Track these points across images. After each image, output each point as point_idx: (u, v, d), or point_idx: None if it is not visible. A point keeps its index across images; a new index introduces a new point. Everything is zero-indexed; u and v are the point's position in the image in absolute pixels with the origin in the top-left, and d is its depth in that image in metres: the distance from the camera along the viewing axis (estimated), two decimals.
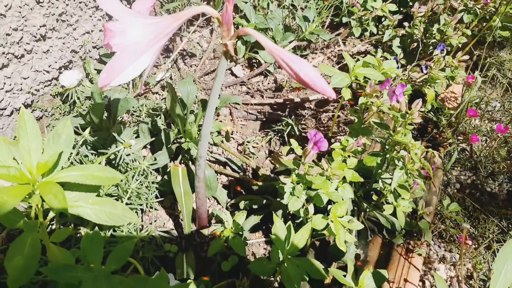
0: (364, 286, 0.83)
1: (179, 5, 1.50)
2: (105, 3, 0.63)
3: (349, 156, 1.05)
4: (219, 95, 1.54)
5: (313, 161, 1.00)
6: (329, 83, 0.65)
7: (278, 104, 1.59)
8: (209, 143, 1.35)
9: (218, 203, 1.24)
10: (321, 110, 1.59)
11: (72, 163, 1.08)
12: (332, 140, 1.46)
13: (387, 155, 1.04)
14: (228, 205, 1.24)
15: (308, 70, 0.63)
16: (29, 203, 0.72)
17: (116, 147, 1.13)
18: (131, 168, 1.14)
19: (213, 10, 0.69)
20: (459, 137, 1.48)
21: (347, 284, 0.85)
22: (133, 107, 1.43)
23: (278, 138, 1.48)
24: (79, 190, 0.72)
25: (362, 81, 1.19)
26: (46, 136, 0.73)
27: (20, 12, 1.17)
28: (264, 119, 1.55)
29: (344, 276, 0.85)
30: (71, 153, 1.17)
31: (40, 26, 1.25)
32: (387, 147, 1.04)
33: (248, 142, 1.42)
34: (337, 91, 1.50)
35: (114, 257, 0.70)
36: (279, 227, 0.88)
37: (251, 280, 1.03)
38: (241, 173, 1.32)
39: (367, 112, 1.24)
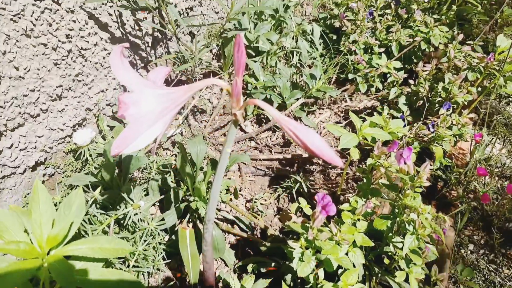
0: None
1: (191, 65, 1.56)
2: (121, 75, 0.66)
3: (358, 219, 1.04)
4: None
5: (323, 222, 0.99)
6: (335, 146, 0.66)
7: (287, 160, 1.61)
8: (219, 201, 1.35)
9: (226, 264, 1.22)
10: (330, 166, 1.59)
11: (79, 228, 1.08)
12: (341, 198, 1.45)
13: (397, 218, 1.03)
14: (235, 267, 1.22)
15: (315, 139, 0.65)
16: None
17: (126, 207, 1.13)
18: (139, 229, 1.14)
19: (224, 82, 0.72)
20: (469, 195, 1.46)
21: None
22: (145, 164, 1.45)
23: (286, 194, 1.47)
24: (87, 261, 0.71)
25: (370, 140, 1.20)
26: (58, 205, 0.74)
27: (38, 74, 1.23)
28: (273, 175, 1.56)
29: None
30: None
31: (57, 87, 1.30)
32: (396, 210, 1.03)
33: (256, 199, 1.42)
34: (346, 150, 1.51)
35: None
36: None
37: None
38: (249, 233, 1.31)
39: (375, 170, 1.24)
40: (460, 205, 1.41)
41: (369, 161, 1.18)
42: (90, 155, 1.39)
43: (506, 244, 1.34)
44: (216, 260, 1.23)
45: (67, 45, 1.30)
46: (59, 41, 1.26)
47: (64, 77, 1.33)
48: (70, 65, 1.34)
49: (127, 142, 0.64)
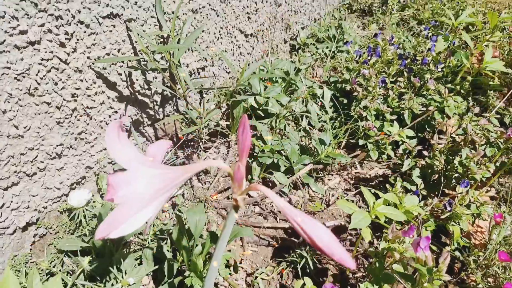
0: None
1: (198, 127, 1.52)
2: (116, 152, 0.60)
3: None
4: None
5: None
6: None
7: (292, 229, 1.51)
8: (217, 277, 1.25)
9: None
10: (338, 238, 1.49)
11: None
12: (350, 275, 1.34)
13: None
14: None
15: (324, 235, 0.57)
16: None
17: (116, 281, 1.05)
18: None
19: (225, 165, 0.66)
20: (488, 278, 1.34)
21: None
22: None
23: (291, 269, 1.37)
24: None
25: (383, 221, 1.12)
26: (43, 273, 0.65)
27: (38, 133, 1.19)
28: (277, 245, 1.46)
29: None
30: (67, 284, 1.09)
31: (57, 145, 1.26)
32: None
33: (257, 274, 1.31)
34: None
35: None
36: None
37: None
38: None
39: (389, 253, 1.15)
40: None
41: (382, 244, 1.09)
42: (85, 217, 1.32)
43: None
44: None
45: (72, 104, 1.27)
46: (64, 99, 1.23)
47: (66, 135, 1.29)
48: (73, 123, 1.30)
49: (114, 225, 0.57)
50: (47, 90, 1.17)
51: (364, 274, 1.34)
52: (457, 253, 1.39)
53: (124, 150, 0.61)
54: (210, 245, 1.18)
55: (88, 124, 1.35)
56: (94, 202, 1.40)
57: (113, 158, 0.59)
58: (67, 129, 1.28)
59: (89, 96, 1.33)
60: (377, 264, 1.06)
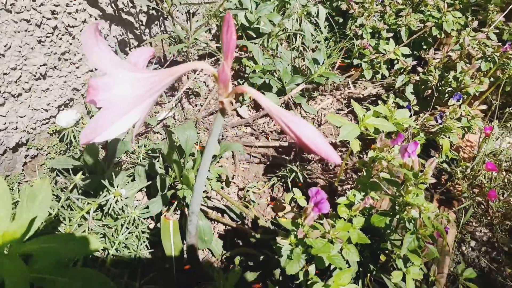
0: None
1: (186, 46, 1.47)
2: (93, 55, 0.58)
3: (355, 215, 0.96)
4: (221, 140, 1.49)
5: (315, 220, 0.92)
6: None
7: (283, 147, 1.53)
8: (208, 189, 1.28)
9: (213, 254, 1.16)
10: None
11: (57, 214, 1.02)
12: (339, 189, 1.37)
13: (397, 216, 0.95)
14: (223, 257, 1.15)
15: (310, 132, 0.57)
16: None
17: (108, 193, 1.07)
18: (122, 216, 1.07)
19: (209, 66, 0.64)
20: (474, 189, 1.38)
21: None
22: (132, 147, 1.38)
23: (281, 184, 1.40)
24: (51, 259, 0.65)
25: (373, 132, 1.12)
26: (22, 194, 0.67)
27: (19, 52, 1.15)
28: (268, 163, 1.48)
29: None
30: (58, 198, 1.12)
31: (41, 65, 1.23)
32: (397, 207, 0.95)
33: (249, 188, 1.35)
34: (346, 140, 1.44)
35: None
36: None
37: None
38: (240, 222, 1.24)
39: (377, 163, 1.16)
40: (464, 201, 1.32)
41: (371, 153, 1.10)
42: (75, 137, 1.32)
43: (509, 242, 1.27)
44: (203, 250, 1.17)
45: (52, 21, 1.22)
46: (43, 17, 1.18)
47: (49, 55, 1.25)
48: (56, 43, 1.26)
49: (98, 130, 0.56)
50: (25, 7, 1.12)
51: (352, 186, 1.37)
52: (445, 165, 1.41)
53: (102, 53, 0.58)
54: (201, 160, 1.19)
55: (71, 44, 1.31)
56: (84, 124, 1.39)
57: (91, 61, 0.56)
58: (49, 48, 1.24)
59: (69, 13, 1.27)
60: (365, 173, 1.08)
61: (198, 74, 1.67)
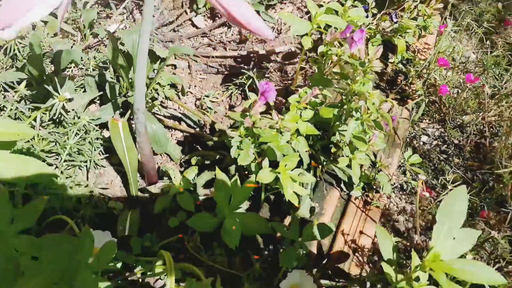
0: (307, 238, 0.79)
1: None
2: None
3: (305, 108, 0.97)
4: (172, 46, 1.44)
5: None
6: None
7: (242, 57, 1.50)
8: (163, 97, 1.27)
9: (171, 159, 1.18)
10: (287, 62, 1.50)
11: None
12: (293, 89, 1.38)
13: (345, 106, 0.97)
14: (181, 161, 1.17)
15: (241, 7, 0.55)
16: None
17: (53, 99, 1.04)
18: (73, 123, 1.06)
19: None
20: (429, 89, 1.41)
21: (288, 237, 0.81)
22: (82, 60, 1.33)
23: (239, 92, 1.39)
24: None
25: (324, 28, 1.10)
26: None
27: None
28: (226, 73, 1.46)
29: (287, 229, 0.80)
30: (5, 108, 1.09)
31: None
32: (344, 97, 0.97)
33: (206, 96, 1.34)
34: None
35: (22, 216, 0.63)
36: (221, 182, 0.82)
37: (202, 236, 0.97)
38: (197, 129, 1.25)
39: (331, 62, 1.16)
40: (418, 98, 1.36)
41: (321, 48, 1.09)
42: (19, 51, 1.26)
43: (459, 136, 1.33)
44: (160, 155, 1.18)
45: None
46: None
47: None
48: None
49: (15, 14, 0.52)
50: None
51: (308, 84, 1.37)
52: (400, 66, 1.42)
53: None
54: (151, 65, 1.16)
55: None
56: (27, 33, 1.31)
57: None
58: None
59: None
60: (317, 70, 1.08)
61: None
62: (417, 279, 0.67)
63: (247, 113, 0.92)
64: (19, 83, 1.16)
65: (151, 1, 0.69)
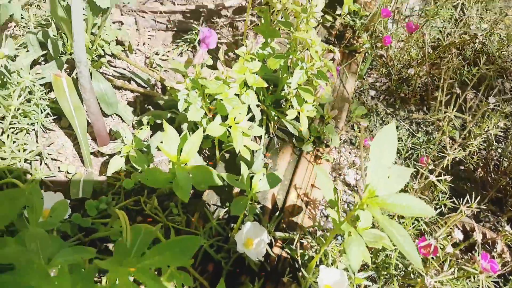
0: (258, 188, 0.82)
1: None
2: None
3: (252, 59, 0.98)
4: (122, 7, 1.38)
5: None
6: None
7: (191, 12, 1.46)
8: (110, 55, 1.23)
9: (123, 121, 1.16)
10: (238, 17, 1.48)
11: None
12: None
13: (291, 57, 0.99)
14: (134, 122, 1.16)
15: None
16: None
17: None
18: (15, 84, 1.01)
19: None
20: (377, 44, 1.45)
21: (240, 187, 0.84)
22: (22, 18, 1.25)
23: (190, 49, 1.38)
24: None
25: None
26: None
27: None
28: (176, 29, 1.43)
29: (237, 180, 0.83)
30: None
31: None
32: (289, 46, 0.98)
33: (156, 54, 1.31)
34: None
35: None
36: (170, 136, 0.83)
37: (159, 198, 0.99)
38: (148, 88, 1.23)
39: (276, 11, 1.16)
40: (366, 53, 1.40)
41: None
42: None
43: (404, 89, 1.39)
44: (111, 117, 1.16)
45: None
46: None
47: None
48: None
49: None
50: None
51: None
52: (347, 19, 1.45)
53: None
54: (93, 19, 1.11)
55: None
56: None
57: None
58: None
59: None
60: (263, 21, 1.08)
61: None
62: (358, 218, 0.72)
63: (190, 64, 0.91)
64: None
65: None
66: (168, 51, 1.36)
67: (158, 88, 1.27)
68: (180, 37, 1.40)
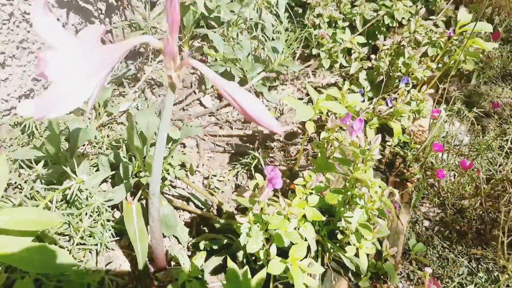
0: None
1: (145, 33, 1.48)
2: (43, 29, 0.59)
3: (310, 193, 1.02)
4: (184, 126, 1.51)
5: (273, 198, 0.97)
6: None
7: (247, 136, 1.57)
8: (172, 177, 1.31)
9: (179, 242, 1.19)
10: (290, 142, 1.57)
11: (21, 204, 1.02)
12: (300, 174, 1.43)
13: (349, 192, 1.02)
14: (189, 244, 1.19)
15: (253, 103, 0.60)
16: None
17: (71, 180, 1.08)
18: (86, 205, 1.08)
19: (155, 40, 0.66)
20: (427, 172, 1.47)
21: None
22: (96, 138, 1.38)
23: (245, 171, 1.44)
24: (11, 235, 0.66)
25: (326, 114, 1.18)
26: None
27: None
28: (233, 152, 1.52)
29: None
30: (22, 189, 1.12)
31: None
32: (347, 184, 1.02)
33: (213, 175, 1.38)
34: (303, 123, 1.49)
35: None
36: (232, 273, 0.84)
37: None
38: (205, 210, 1.28)
39: (331, 145, 1.23)
40: (417, 181, 1.41)
41: (323, 134, 1.16)
42: (37, 128, 1.31)
43: (460, 221, 1.36)
44: (168, 237, 1.20)
45: (8, 7, 1.20)
46: None
47: (7, 43, 1.23)
48: (12, 30, 1.24)
49: (50, 105, 0.57)
50: None
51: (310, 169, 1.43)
52: (397, 149, 1.50)
53: (53, 27, 0.59)
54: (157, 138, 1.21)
55: (29, 32, 1.29)
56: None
57: (41, 35, 0.57)
58: (6, 36, 1.22)
59: (25, 0, 1.25)
60: (319, 154, 1.14)
61: (159, 63, 1.68)
62: None
63: (256, 199, 0.96)
64: (35, 161, 1.21)
65: (172, 95, 0.75)
66: (225, 172, 1.43)
67: (213, 209, 1.31)
68: (236, 159, 1.48)
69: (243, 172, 1.44)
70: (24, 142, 1.34)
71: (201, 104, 1.67)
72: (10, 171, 1.27)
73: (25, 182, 1.18)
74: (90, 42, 0.65)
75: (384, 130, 1.57)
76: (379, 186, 0.95)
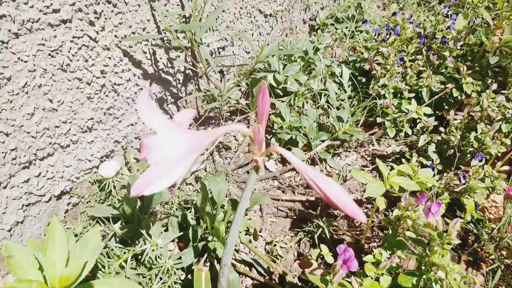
0: None
1: (219, 104, 1.58)
2: (147, 117, 0.66)
3: (382, 274, 0.99)
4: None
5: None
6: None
7: (310, 202, 1.57)
8: (237, 242, 1.33)
9: None
10: None
11: (99, 257, 1.08)
12: (366, 246, 1.39)
13: (424, 276, 0.97)
14: None
15: (337, 191, 0.62)
16: None
17: (144, 243, 1.13)
18: (155, 266, 1.12)
19: (246, 129, 0.72)
20: (502, 251, 1.37)
21: None
22: (171, 197, 1.45)
23: (308, 239, 1.43)
24: None
25: (397, 190, 1.16)
26: (78, 236, 0.74)
27: (71, 107, 1.27)
28: (295, 217, 1.52)
29: None
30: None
31: (88, 119, 1.34)
32: (423, 266, 0.98)
33: (276, 242, 1.38)
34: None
35: None
36: None
37: None
38: (267, 277, 1.27)
39: (402, 221, 1.20)
40: (492, 262, 1.32)
41: (396, 212, 1.14)
42: (114, 187, 1.41)
43: None
44: None
45: (101, 80, 1.34)
46: (93, 76, 1.31)
47: (96, 110, 1.37)
48: (102, 99, 1.38)
49: (148, 184, 0.63)
50: (78, 67, 1.25)
51: (378, 244, 1.39)
52: (470, 226, 1.42)
53: (154, 115, 0.68)
54: (231, 213, 1.25)
55: (116, 100, 1.43)
56: (122, 174, 1.48)
57: (145, 122, 0.65)
58: (96, 104, 1.36)
59: (116, 73, 1.40)
60: (391, 232, 1.11)
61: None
62: None
63: (327, 278, 0.94)
64: (110, 218, 1.29)
65: (255, 176, 0.79)
66: (287, 238, 1.43)
67: (275, 277, 1.29)
68: (298, 225, 1.47)
69: (305, 240, 1.42)
70: (101, 199, 1.44)
71: (265, 167, 1.71)
72: (85, 227, 1.36)
73: (102, 239, 1.25)
74: (183, 125, 0.73)
75: (455, 204, 1.51)
76: (458, 272, 0.90)
